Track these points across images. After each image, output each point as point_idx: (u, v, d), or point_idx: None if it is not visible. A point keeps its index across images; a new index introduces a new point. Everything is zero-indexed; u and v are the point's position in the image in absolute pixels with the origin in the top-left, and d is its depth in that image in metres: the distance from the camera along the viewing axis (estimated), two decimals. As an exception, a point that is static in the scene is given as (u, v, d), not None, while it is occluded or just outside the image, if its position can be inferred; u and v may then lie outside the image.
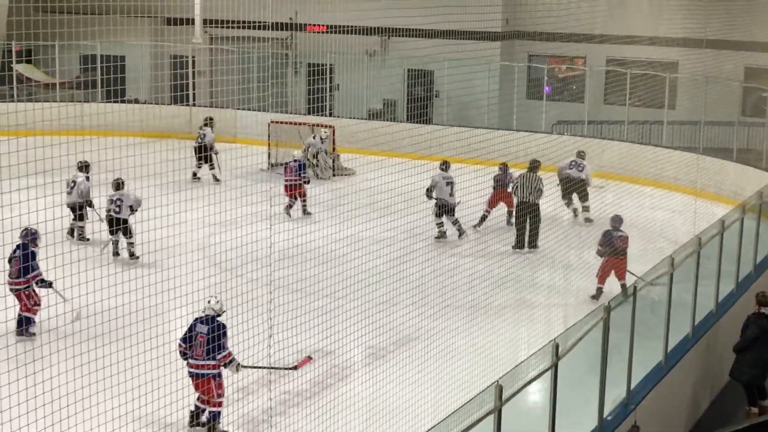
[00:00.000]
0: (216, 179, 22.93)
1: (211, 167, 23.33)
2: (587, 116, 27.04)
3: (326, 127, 24.67)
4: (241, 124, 27.29)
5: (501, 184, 19.87)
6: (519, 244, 18.09)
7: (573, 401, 9.42)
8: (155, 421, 10.11)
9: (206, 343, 10.50)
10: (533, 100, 28.39)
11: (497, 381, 7.38)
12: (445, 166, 19.02)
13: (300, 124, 25.52)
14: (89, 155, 17.71)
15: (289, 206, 20.39)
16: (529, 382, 8.15)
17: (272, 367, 10.72)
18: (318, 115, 26.73)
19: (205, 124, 23.78)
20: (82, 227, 18.16)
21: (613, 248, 15.33)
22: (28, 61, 30.46)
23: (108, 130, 21.28)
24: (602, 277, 15.60)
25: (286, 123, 25.58)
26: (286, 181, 20.57)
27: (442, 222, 18.75)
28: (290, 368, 11.18)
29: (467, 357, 11.92)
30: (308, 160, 24.31)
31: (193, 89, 29.18)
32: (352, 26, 26.32)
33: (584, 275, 16.40)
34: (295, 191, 20.55)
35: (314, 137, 24.34)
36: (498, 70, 28.07)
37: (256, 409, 10.90)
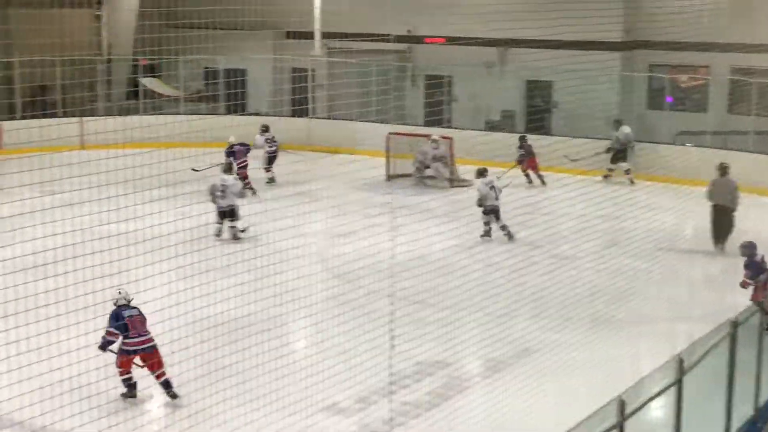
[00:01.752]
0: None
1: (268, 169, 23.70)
2: (711, 127, 26.49)
3: (445, 138, 24.62)
4: (359, 136, 27.53)
5: (528, 152, 23.41)
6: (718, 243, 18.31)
7: (698, 418, 9.23)
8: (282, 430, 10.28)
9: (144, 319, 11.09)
10: (654, 110, 27.93)
11: (619, 396, 7.30)
12: (484, 172, 18.98)
13: (418, 135, 25.54)
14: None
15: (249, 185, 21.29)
16: (653, 397, 8.02)
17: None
18: (436, 127, 26.77)
19: (266, 130, 23.99)
20: (235, 227, 18.45)
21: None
22: (155, 76, 31.27)
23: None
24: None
25: (405, 135, 25.62)
26: (240, 164, 21.27)
27: (489, 220, 18.50)
28: None
29: (588, 371, 11.79)
30: (417, 166, 24.22)
31: (313, 102, 29.58)
32: (469, 38, 26.29)
33: (708, 288, 16.07)
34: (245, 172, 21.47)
35: (429, 143, 24.25)
36: (618, 80, 27.70)
37: (377, 420, 10.97)
